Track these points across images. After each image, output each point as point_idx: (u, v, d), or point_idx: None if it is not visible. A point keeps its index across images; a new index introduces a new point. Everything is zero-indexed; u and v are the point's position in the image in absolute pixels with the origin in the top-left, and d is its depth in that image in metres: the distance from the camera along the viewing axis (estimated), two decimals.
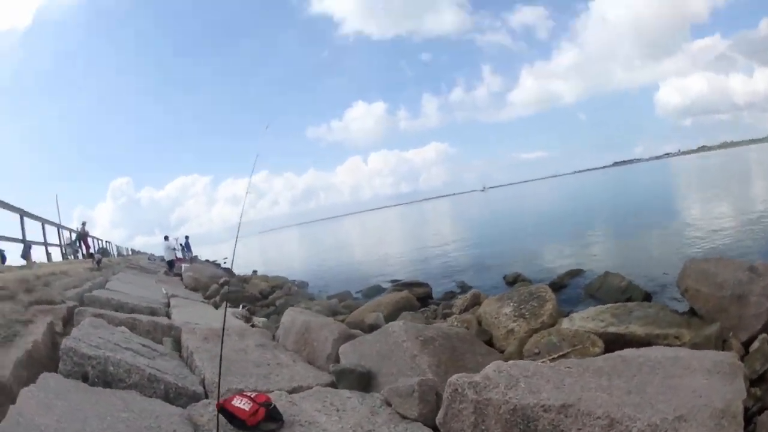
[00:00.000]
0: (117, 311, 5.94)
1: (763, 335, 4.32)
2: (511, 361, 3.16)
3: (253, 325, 6.88)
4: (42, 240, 12.83)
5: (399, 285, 12.04)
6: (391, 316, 7.86)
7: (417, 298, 10.06)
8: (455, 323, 6.54)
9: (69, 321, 5.03)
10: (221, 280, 14.01)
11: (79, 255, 17.61)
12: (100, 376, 3.34)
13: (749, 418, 2.84)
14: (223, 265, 29.83)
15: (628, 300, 7.02)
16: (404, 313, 7.91)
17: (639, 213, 22.24)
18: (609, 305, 5.74)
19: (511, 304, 6.20)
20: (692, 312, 5.36)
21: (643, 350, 3.34)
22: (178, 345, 5.01)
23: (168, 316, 6.82)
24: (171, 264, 19.22)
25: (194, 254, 24.14)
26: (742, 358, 3.87)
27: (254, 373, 4.18)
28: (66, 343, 3.44)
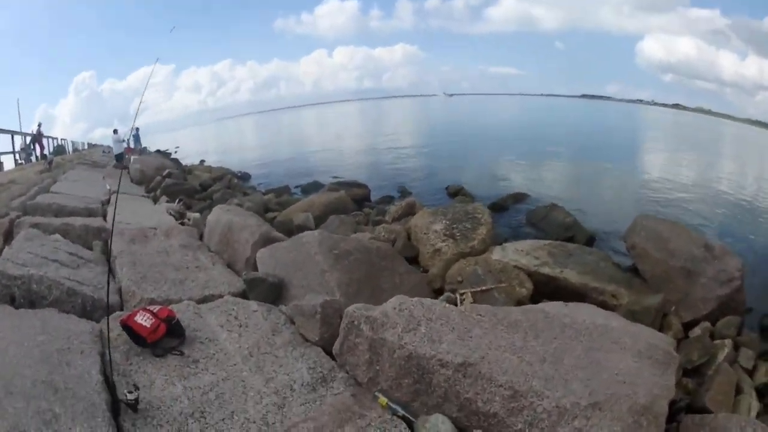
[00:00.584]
0: (56, 215, 6.09)
1: (706, 324, 4.13)
2: (416, 299, 2.84)
3: (183, 223, 6.72)
4: None
5: (336, 184, 11.57)
6: (321, 218, 7.59)
7: (353, 199, 9.67)
8: (383, 233, 6.11)
9: (10, 234, 5.03)
10: (165, 172, 13.48)
11: (33, 158, 17.32)
12: (26, 296, 3.38)
13: (674, 413, 2.53)
14: (173, 155, 29.22)
15: (570, 239, 6.62)
16: (333, 217, 7.50)
17: (600, 151, 21.35)
18: (548, 242, 5.37)
19: (444, 221, 5.78)
20: (635, 271, 5.03)
21: (571, 307, 3.07)
22: (107, 248, 4.90)
23: (104, 215, 6.77)
24: (120, 157, 18.51)
25: (144, 146, 23.36)
26: (679, 342, 3.70)
27: (170, 279, 4.11)
28: None
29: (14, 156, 15.60)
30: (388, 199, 10.70)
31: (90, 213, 6.70)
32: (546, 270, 4.59)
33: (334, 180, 12.97)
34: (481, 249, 5.23)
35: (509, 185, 12.13)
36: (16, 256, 3.80)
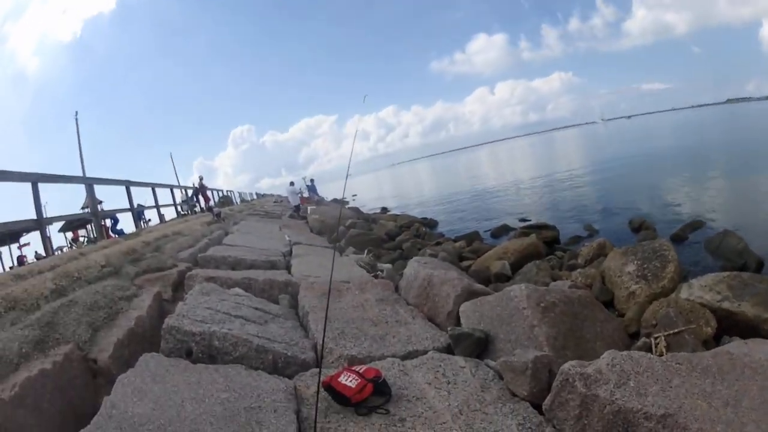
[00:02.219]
0: (234, 269, 5.97)
1: None
2: (626, 352, 2.91)
3: (376, 275, 6.64)
4: (153, 204, 13.10)
5: (526, 227, 11.81)
6: (517, 264, 7.75)
7: (544, 241, 9.77)
8: (579, 279, 6.33)
9: (180, 285, 5.03)
10: (348, 222, 13.94)
11: (197, 210, 17.96)
12: (205, 351, 3.33)
13: None
14: (351, 203, 30.57)
15: (743, 267, 6.64)
16: (530, 264, 7.57)
17: (760, 159, 19.85)
18: (726, 274, 5.16)
19: (635, 261, 5.84)
20: None
21: (750, 344, 3.04)
22: (295, 302, 4.97)
23: (288, 268, 6.72)
24: (297, 208, 19.65)
25: (320, 196, 24.60)
26: None
27: (370, 335, 4.09)
28: (168, 321, 3.42)
29: (175, 208, 15.74)
30: (576, 239, 11.00)
31: (272, 266, 6.54)
32: (726, 305, 4.56)
33: (522, 223, 13.38)
34: (670, 288, 5.26)
35: (683, 212, 12.37)
36: (193, 312, 3.74)
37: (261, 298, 4.87)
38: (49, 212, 9.36)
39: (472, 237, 12.65)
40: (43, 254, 7.88)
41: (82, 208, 13.22)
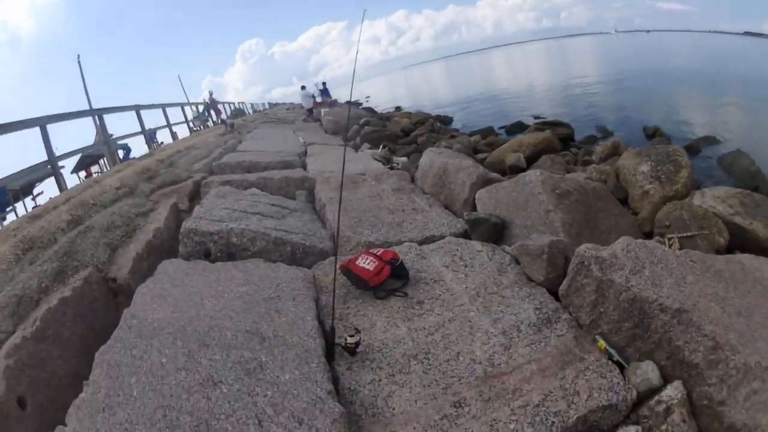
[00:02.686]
0: (249, 172, 5.99)
1: None
2: (640, 240, 2.84)
3: (392, 167, 6.61)
4: (165, 124, 12.99)
5: (541, 123, 11.67)
6: (532, 158, 7.77)
7: (559, 138, 9.65)
8: (594, 173, 6.23)
9: (196, 195, 5.07)
10: (361, 121, 13.82)
11: (210, 125, 17.75)
12: (224, 250, 3.38)
13: None
14: (365, 104, 29.88)
15: (755, 189, 6.26)
16: (545, 157, 7.62)
17: None
18: (738, 190, 5.23)
19: (649, 162, 5.70)
20: None
21: (761, 260, 2.93)
22: (312, 197, 5.03)
23: (304, 166, 6.74)
24: (310, 111, 19.31)
25: (333, 98, 23.91)
26: None
27: (387, 222, 4.13)
28: (185, 225, 3.49)
29: (187, 125, 15.33)
30: (592, 139, 10.99)
31: (287, 166, 6.55)
32: (738, 220, 4.55)
33: (537, 120, 13.35)
34: (683, 192, 5.19)
35: (696, 125, 12.34)
36: (209, 213, 3.75)
37: (278, 196, 4.87)
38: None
39: (487, 132, 12.63)
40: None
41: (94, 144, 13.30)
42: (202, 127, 16.75)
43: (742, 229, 4.48)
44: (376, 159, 7.37)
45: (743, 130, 12.24)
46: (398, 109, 23.65)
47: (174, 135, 13.48)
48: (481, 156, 8.71)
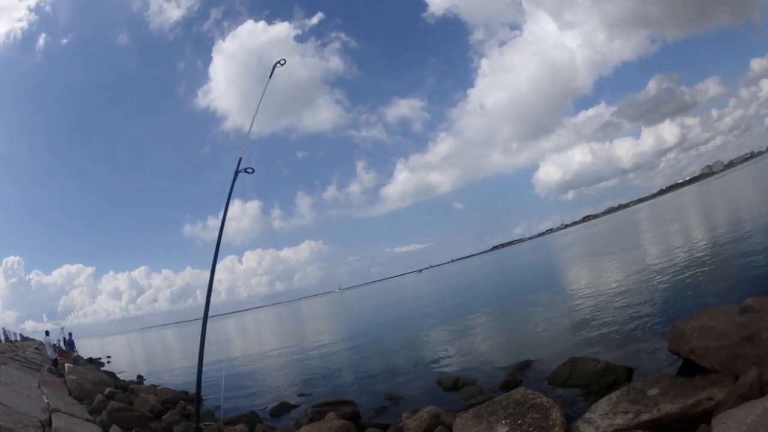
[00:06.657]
0: None
1: None
2: None
3: None
4: None
5: (319, 405, 9.45)
6: None
7: (344, 418, 8.21)
8: None
9: None
10: (107, 391, 12.78)
11: None
12: None
13: None
14: (106, 365, 29.16)
15: (614, 382, 6.54)
16: None
17: (531, 292, 21.33)
18: (616, 393, 5.07)
19: (502, 421, 4.98)
20: (691, 370, 5.14)
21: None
22: None
23: None
24: (55, 362, 18.65)
25: (77, 353, 23.20)
26: None
27: None
28: None
29: None
30: (382, 410, 9.27)
31: None
32: (646, 416, 4.40)
33: (300, 397, 12.05)
34: None
35: (498, 359, 11.14)
36: None
37: None
38: None
39: (252, 420, 10.50)
40: None
41: None
42: None
43: (655, 421, 4.34)
44: None
45: (536, 340, 11.79)
46: (140, 378, 22.23)
47: None
48: None
